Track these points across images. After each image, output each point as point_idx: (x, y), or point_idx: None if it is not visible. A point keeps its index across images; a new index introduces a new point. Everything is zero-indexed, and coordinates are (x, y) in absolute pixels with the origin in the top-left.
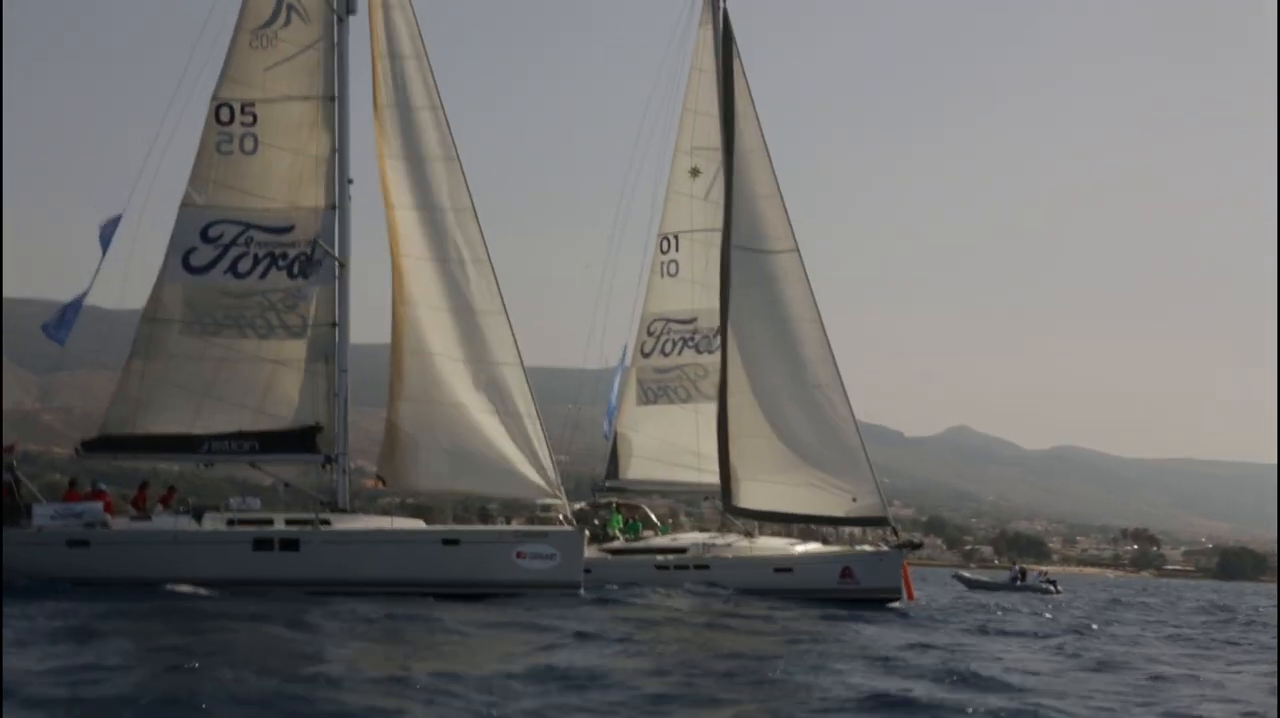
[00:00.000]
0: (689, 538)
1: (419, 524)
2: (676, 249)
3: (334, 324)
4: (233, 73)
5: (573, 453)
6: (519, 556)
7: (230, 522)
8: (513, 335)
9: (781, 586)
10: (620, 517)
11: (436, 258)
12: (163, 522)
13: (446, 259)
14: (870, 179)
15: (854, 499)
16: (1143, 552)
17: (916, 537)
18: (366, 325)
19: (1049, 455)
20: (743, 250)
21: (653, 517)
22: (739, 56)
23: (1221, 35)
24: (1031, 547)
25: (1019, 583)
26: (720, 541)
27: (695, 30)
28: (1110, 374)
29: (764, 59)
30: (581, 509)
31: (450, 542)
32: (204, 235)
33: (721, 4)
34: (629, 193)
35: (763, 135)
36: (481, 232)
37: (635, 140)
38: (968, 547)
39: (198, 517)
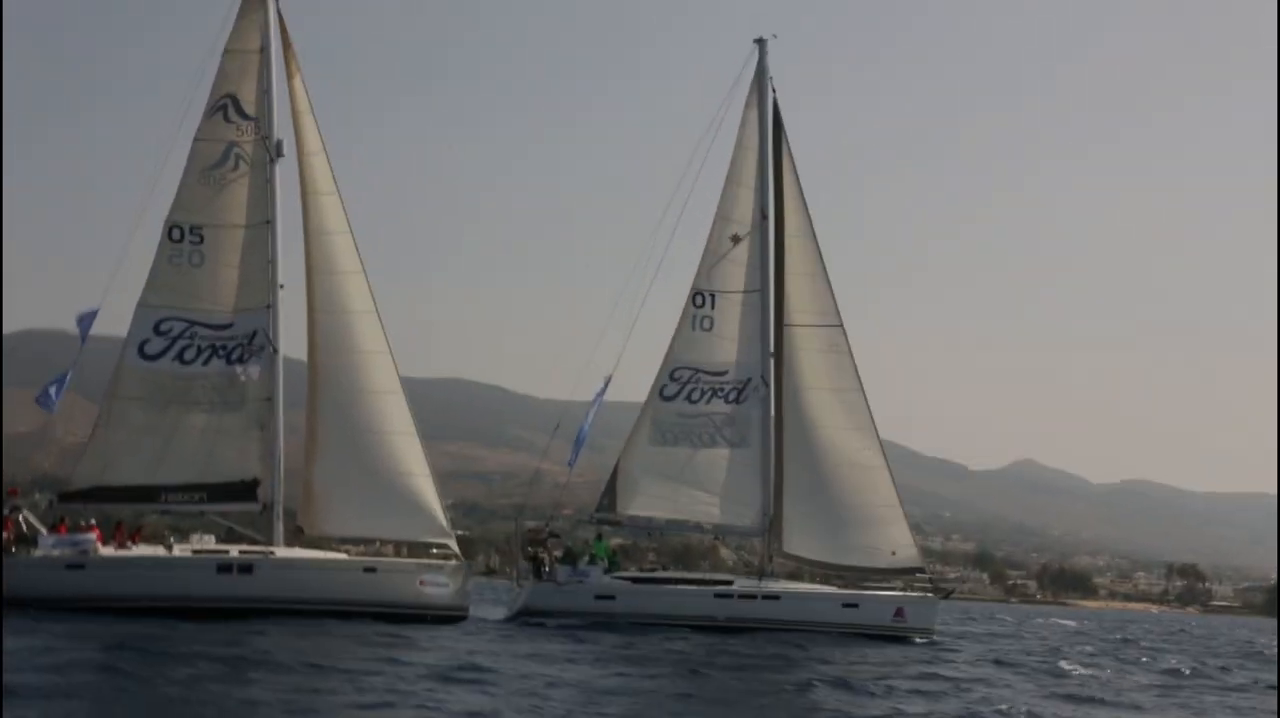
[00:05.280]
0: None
1: (343, 556)
2: (712, 306)
3: (269, 399)
4: (183, 202)
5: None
6: (421, 583)
7: (195, 551)
8: (408, 408)
9: (847, 619)
10: (605, 545)
11: (345, 350)
12: (142, 550)
13: (353, 351)
14: (940, 221)
15: (894, 553)
16: (1189, 588)
17: (953, 575)
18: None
19: (1118, 490)
20: (793, 328)
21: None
22: (788, 141)
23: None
24: (1077, 582)
25: None
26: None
27: (741, 111)
28: (1181, 408)
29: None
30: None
31: (369, 570)
32: (156, 329)
33: (771, 93)
34: (657, 249)
35: (809, 216)
36: (384, 328)
37: (667, 207)
38: (1010, 582)
39: (169, 547)
